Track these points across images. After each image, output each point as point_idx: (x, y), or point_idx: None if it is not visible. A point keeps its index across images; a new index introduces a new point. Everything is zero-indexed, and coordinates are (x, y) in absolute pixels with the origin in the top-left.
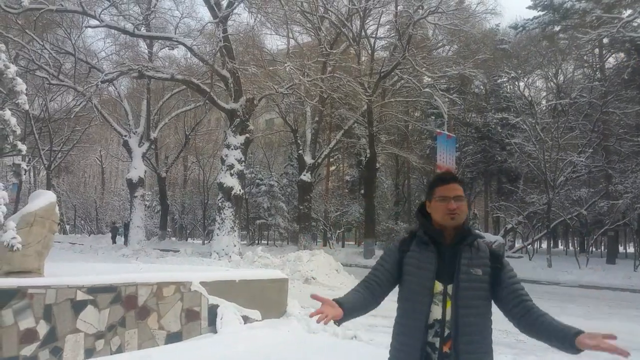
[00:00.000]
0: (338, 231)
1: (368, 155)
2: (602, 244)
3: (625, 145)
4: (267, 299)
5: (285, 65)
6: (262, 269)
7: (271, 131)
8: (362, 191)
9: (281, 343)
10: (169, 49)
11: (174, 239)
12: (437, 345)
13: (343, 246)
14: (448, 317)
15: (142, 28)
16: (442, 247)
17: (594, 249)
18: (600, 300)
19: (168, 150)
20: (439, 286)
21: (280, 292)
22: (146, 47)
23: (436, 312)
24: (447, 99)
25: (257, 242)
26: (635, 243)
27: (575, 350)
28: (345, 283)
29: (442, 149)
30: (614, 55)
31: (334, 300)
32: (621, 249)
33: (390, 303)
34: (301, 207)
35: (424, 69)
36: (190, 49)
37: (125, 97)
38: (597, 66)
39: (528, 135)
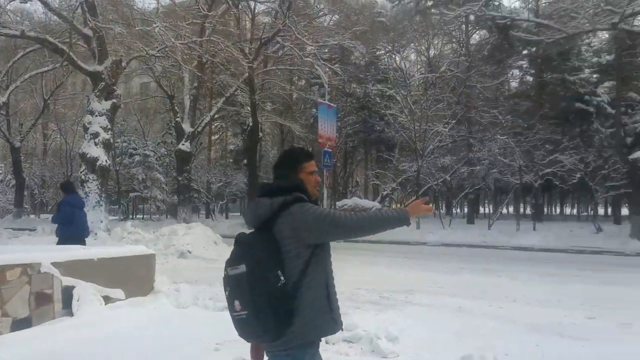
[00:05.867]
0: (221, 202)
1: (251, 124)
2: (464, 205)
3: (485, 116)
4: (132, 277)
5: (154, 25)
6: (129, 245)
7: (145, 96)
8: (246, 161)
9: (145, 321)
10: (20, 2)
11: (32, 216)
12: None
13: (227, 218)
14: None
15: None
16: None
17: (457, 211)
18: (458, 256)
19: (23, 117)
20: None
21: (147, 268)
22: None
23: None
24: (328, 69)
25: (132, 216)
26: (491, 204)
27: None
28: (223, 255)
29: (324, 118)
30: (478, 32)
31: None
32: (481, 209)
33: None
34: (180, 179)
35: (305, 37)
36: (46, 3)
37: None
38: (464, 42)
39: (402, 106)
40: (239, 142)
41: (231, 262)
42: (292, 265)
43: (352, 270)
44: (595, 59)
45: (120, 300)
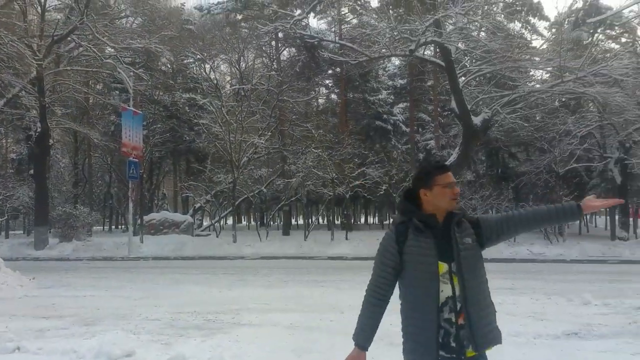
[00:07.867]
0: (1, 219)
1: (39, 130)
2: (279, 217)
3: (297, 130)
4: None
5: None
6: None
7: None
8: (32, 171)
9: None
10: None
11: None
12: (454, 319)
13: (7, 237)
14: (458, 292)
15: None
16: (435, 230)
17: (272, 223)
18: (279, 269)
19: None
20: (443, 267)
21: None
22: None
23: (447, 290)
24: (132, 74)
25: None
26: (304, 216)
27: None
28: (7, 282)
29: (128, 126)
30: (287, 49)
31: (360, 348)
32: (294, 221)
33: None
34: None
35: (105, 38)
36: None
37: None
38: (274, 57)
39: (215, 117)
40: (22, 151)
41: None
42: None
43: (166, 292)
44: (390, 82)
45: None
